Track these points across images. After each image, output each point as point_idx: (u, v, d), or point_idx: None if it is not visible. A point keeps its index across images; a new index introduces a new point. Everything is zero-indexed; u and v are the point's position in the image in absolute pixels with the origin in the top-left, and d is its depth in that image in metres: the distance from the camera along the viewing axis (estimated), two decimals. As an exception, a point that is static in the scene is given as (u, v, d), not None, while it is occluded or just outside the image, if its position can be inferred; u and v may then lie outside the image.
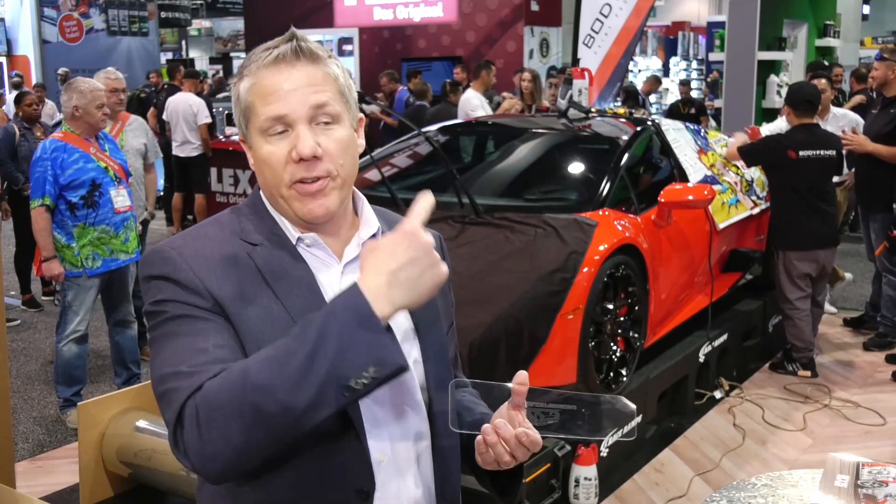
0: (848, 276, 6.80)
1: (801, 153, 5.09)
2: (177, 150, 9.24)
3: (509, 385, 1.32)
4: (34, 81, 15.31)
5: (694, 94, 15.94)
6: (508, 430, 1.31)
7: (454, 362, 1.56)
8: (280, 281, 1.32)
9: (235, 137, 10.01)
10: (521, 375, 1.31)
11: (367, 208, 1.44)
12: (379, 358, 1.14)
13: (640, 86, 14.85)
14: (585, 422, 1.33)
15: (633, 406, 1.36)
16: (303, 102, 1.31)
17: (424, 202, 1.23)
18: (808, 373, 5.34)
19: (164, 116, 9.67)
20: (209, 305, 1.28)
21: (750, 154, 5.31)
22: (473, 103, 8.27)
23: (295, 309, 1.30)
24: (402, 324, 1.41)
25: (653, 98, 15.13)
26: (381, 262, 1.16)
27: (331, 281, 1.37)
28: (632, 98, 11.32)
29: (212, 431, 1.17)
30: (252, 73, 1.33)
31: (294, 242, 1.37)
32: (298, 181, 1.32)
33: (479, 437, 1.35)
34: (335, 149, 1.33)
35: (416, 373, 1.41)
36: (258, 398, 1.14)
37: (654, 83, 14.20)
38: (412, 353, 1.41)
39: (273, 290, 1.31)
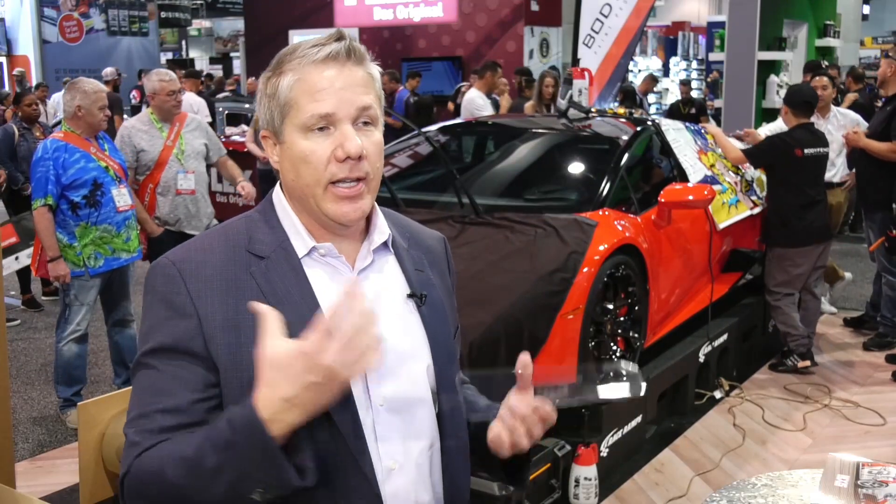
0: (848, 275, 6.81)
1: (806, 151, 5.19)
2: None
3: (512, 371, 1.35)
4: (34, 82, 15.31)
5: (694, 94, 15.96)
6: (523, 408, 1.35)
7: (459, 363, 1.56)
8: (282, 303, 1.31)
9: (236, 137, 10.02)
10: (524, 359, 1.34)
11: (378, 214, 1.44)
12: (276, 482, 1.18)
13: (637, 85, 14.83)
14: (591, 389, 1.37)
15: (636, 367, 1.41)
16: (351, 102, 1.31)
17: (324, 323, 1.18)
18: (808, 362, 5.35)
19: None
20: (192, 338, 1.30)
21: (757, 155, 5.35)
22: (478, 103, 8.29)
23: (293, 331, 1.29)
24: (413, 327, 1.42)
25: (651, 98, 15.14)
26: (279, 387, 1.16)
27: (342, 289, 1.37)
28: (629, 98, 11.33)
29: None
30: (296, 68, 1.31)
31: (307, 252, 1.36)
32: (337, 181, 1.32)
33: (494, 427, 1.39)
34: (374, 151, 1.34)
35: (426, 376, 1.41)
36: (173, 492, 1.22)
37: (650, 82, 14.22)
38: (423, 356, 1.41)
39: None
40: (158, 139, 4.98)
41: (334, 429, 1.29)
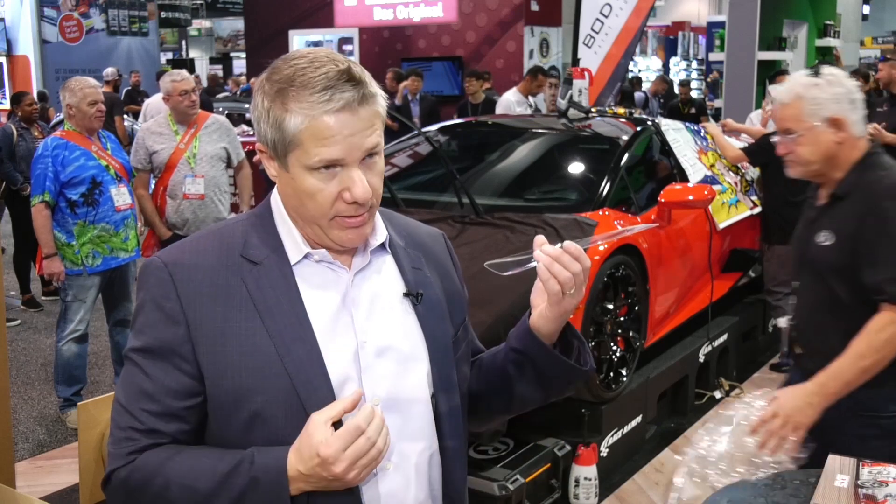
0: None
1: None
2: None
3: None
4: (34, 82, 15.32)
5: (694, 94, 15.95)
6: (552, 249, 1.39)
7: (466, 357, 1.56)
8: (270, 311, 1.32)
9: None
10: (540, 239, 1.42)
11: (376, 216, 1.43)
12: None
13: (645, 86, 14.78)
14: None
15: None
16: (359, 147, 1.29)
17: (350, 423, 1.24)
18: None
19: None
20: (180, 345, 1.31)
21: (757, 152, 5.37)
22: (510, 103, 8.36)
23: (280, 339, 1.31)
24: (410, 326, 1.42)
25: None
26: (300, 456, 1.24)
27: (341, 291, 1.37)
28: (627, 99, 11.31)
29: None
30: (306, 112, 1.27)
31: (302, 257, 1.36)
32: (342, 215, 1.32)
33: (532, 294, 1.47)
34: (378, 183, 1.34)
35: (424, 377, 1.41)
36: None
37: (660, 83, 14.18)
38: (421, 356, 1.41)
39: (262, 320, 1.32)
40: (172, 141, 4.86)
41: None
